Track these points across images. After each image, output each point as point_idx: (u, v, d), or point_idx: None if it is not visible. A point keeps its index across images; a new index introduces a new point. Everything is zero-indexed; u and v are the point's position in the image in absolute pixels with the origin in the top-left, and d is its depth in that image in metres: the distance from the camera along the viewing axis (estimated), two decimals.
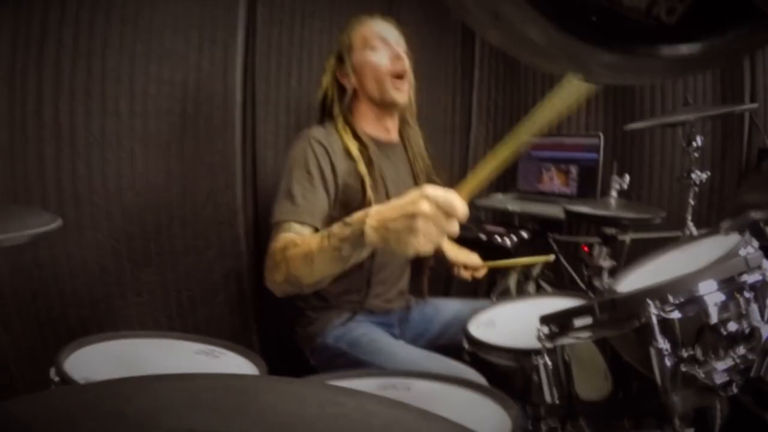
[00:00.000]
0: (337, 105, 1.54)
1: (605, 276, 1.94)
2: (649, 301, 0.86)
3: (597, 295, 1.87)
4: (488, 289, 2.26)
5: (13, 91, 1.60)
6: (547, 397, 1.04)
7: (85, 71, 1.69)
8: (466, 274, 1.78)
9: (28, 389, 1.57)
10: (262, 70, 2.00)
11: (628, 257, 2.00)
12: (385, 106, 1.53)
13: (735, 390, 0.84)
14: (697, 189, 1.86)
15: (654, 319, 0.85)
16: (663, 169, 2.35)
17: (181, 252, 1.89)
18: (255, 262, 1.97)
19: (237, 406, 0.44)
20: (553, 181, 2.46)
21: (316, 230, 1.31)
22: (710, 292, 0.88)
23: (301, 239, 1.24)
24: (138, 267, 1.82)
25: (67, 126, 1.68)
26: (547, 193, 2.47)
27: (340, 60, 1.56)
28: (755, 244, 0.99)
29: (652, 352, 0.85)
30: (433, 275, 1.77)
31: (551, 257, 1.93)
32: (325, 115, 1.58)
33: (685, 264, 1.05)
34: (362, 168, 1.45)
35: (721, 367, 0.84)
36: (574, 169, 2.39)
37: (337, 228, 1.09)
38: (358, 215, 1.05)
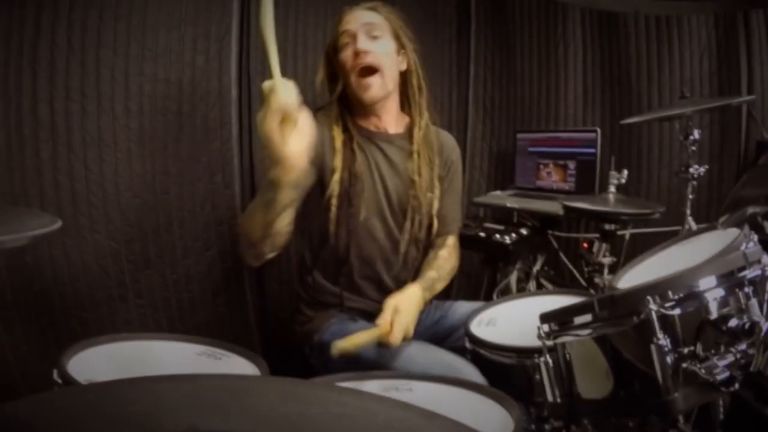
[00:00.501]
0: (331, 98, 1.54)
1: (606, 272, 1.94)
2: (649, 298, 0.86)
3: (597, 291, 1.88)
4: (488, 290, 2.26)
5: (8, 92, 1.59)
6: (549, 396, 1.04)
7: (79, 70, 1.68)
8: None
9: (30, 390, 1.57)
10: (257, 66, 1.99)
11: (627, 252, 2.00)
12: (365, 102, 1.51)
13: (737, 387, 0.84)
14: (695, 183, 1.86)
15: (654, 316, 0.85)
16: (661, 164, 2.34)
17: (180, 253, 1.89)
18: None
19: (240, 407, 0.44)
20: (551, 177, 2.46)
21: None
22: (710, 288, 0.87)
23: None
24: (138, 268, 1.82)
25: (63, 126, 1.67)
26: (545, 189, 2.46)
27: (329, 61, 1.54)
28: (755, 238, 0.98)
29: (653, 348, 0.84)
30: None
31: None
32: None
33: (685, 259, 1.05)
34: (338, 161, 1.46)
35: (722, 363, 0.84)
36: (571, 165, 2.39)
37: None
38: None
